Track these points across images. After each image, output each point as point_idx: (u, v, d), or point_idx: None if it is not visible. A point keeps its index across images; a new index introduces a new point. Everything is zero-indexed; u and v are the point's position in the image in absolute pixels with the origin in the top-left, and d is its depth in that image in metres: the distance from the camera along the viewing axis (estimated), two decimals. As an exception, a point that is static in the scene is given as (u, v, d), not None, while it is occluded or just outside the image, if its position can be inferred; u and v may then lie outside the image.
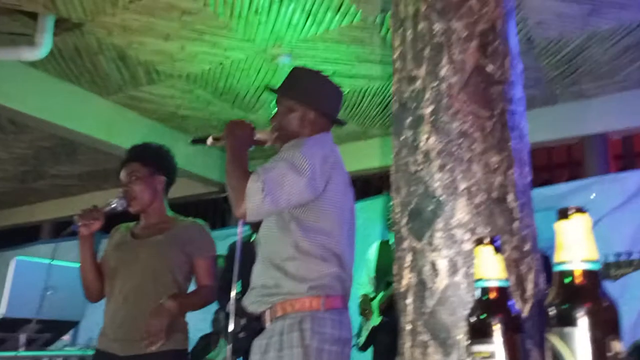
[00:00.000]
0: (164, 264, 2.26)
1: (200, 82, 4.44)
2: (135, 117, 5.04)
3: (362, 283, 3.65)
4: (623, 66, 4.03)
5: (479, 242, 0.88)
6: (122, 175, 2.39)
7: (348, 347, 1.77)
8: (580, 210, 0.73)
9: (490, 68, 1.03)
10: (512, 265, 0.92)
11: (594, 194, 4.21)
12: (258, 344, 1.75)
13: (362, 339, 3.45)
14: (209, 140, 1.96)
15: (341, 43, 3.83)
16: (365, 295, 3.51)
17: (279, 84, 2.00)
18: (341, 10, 3.45)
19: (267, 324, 1.74)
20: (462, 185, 0.97)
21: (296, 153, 1.76)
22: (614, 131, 4.44)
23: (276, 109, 1.95)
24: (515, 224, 0.94)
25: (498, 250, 0.87)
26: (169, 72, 4.26)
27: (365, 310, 3.46)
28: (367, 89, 4.51)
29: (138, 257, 2.28)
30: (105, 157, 5.53)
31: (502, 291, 0.84)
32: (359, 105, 4.78)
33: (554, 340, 0.69)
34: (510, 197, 0.96)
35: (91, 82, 4.50)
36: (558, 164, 5.07)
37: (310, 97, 1.92)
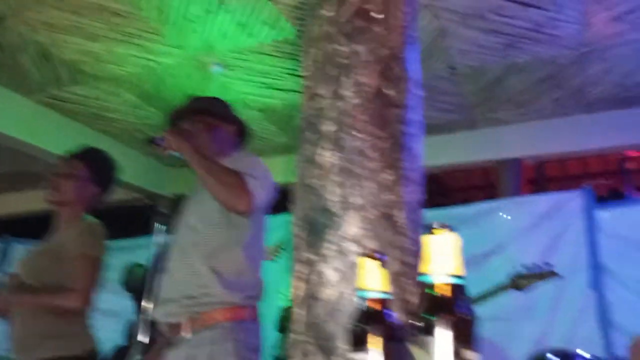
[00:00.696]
0: (48, 268, 2.23)
1: (127, 85, 4.34)
2: (58, 118, 4.84)
3: (287, 295, 3.67)
4: (537, 97, 4.32)
5: (364, 254, 0.93)
6: None
7: (260, 354, 1.80)
8: (446, 226, 0.80)
9: (389, 92, 1.09)
10: (397, 278, 0.98)
11: (505, 215, 4.47)
12: (177, 354, 1.72)
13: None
14: (162, 144, 1.86)
15: (274, 57, 3.88)
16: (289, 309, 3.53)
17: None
18: (276, 25, 3.51)
19: (187, 334, 1.72)
20: (355, 201, 1.02)
21: (255, 161, 1.85)
22: (527, 157, 4.74)
23: (187, 126, 1.96)
24: (403, 239, 1.00)
25: (382, 263, 0.92)
26: (95, 73, 4.14)
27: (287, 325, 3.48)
28: (298, 103, 4.58)
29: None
30: (26, 159, 5.25)
31: (383, 302, 0.89)
32: (290, 119, 4.84)
33: (414, 348, 0.74)
34: (399, 214, 1.02)
35: (11, 80, 4.29)
36: (475, 185, 5.33)
37: (229, 117, 2.00)
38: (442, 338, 0.72)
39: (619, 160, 4.64)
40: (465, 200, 4.87)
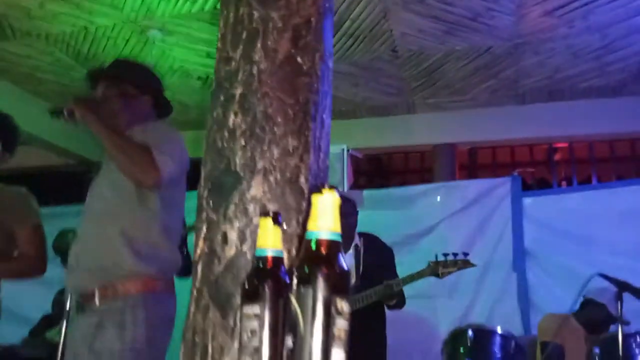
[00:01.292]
0: None
1: (61, 45, 4.15)
2: (-15, 75, 4.59)
3: None
4: (473, 85, 4.46)
5: (263, 215, 0.95)
6: None
7: (173, 325, 1.80)
8: (332, 187, 0.83)
9: (300, 60, 1.11)
10: (297, 239, 1.01)
11: (439, 198, 4.62)
12: (88, 320, 1.70)
13: None
14: (65, 114, 1.80)
15: (216, 24, 3.80)
16: None
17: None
18: (217, -9, 3.45)
19: (98, 303, 1.69)
20: (260, 164, 1.04)
21: (168, 134, 1.79)
22: (461, 143, 4.90)
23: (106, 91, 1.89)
24: (305, 204, 1.03)
25: (278, 224, 0.95)
26: (26, 30, 3.93)
27: None
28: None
29: None
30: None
31: (276, 260, 0.92)
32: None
33: (292, 299, 0.77)
34: (302, 179, 1.04)
35: None
36: (412, 169, 5.47)
37: (150, 85, 1.94)
38: (319, 289, 0.75)
39: (547, 151, 4.88)
40: (403, 183, 4.99)
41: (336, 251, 0.80)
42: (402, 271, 3.41)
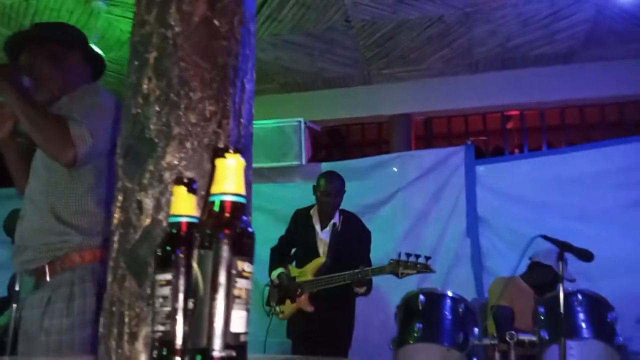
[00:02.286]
0: None
1: (1, 18, 3.97)
2: None
3: None
4: (427, 55, 4.48)
5: (177, 182, 0.94)
6: None
7: None
8: (237, 150, 0.82)
9: (217, 23, 1.08)
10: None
11: (395, 168, 4.67)
12: (38, 296, 1.67)
13: None
14: None
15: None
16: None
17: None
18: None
19: (47, 277, 1.67)
20: (176, 130, 1.02)
21: (95, 103, 1.72)
22: (417, 113, 4.93)
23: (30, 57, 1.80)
24: (223, 170, 1.02)
25: (193, 191, 0.94)
26: (-40, 1, 3.75)
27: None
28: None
29: None
30: None
31: (189, 227, 0.91)
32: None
33: (194, 261, 0.77)
34: (221, 146, 1.03)
35: None
36: (370, 140, 5.49)
37: (75, 38, 1.85)
38: (219, 251, 0.75)
39: (500, 119, 4.96)
40: (363, 155, 5.01)
41: (239, 213, 0.79)
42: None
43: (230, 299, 0.74)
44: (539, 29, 4.07)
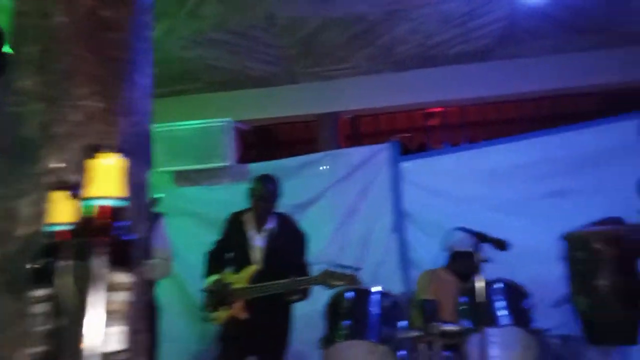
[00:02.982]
0: None
1: None
2: None
3: None
4: (352, 53, 4.50)
5: (57, 187, 0.86)
6: None
7: None
8: (114, 150, 0.76)
9: (106, 14, 1.01)
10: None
11: (324, 167, 4.67)
12: None
13: None
14: None
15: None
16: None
17: None
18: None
19: None
20: (58, 130, 0.94)
21: None
22: (344, 111, 4.96)
23: None
24: (114, 171, 0.95)
25: (75, 196, 0.86)
26: None
27: None
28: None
29: None
30: None
31: (67, 235, 0.84)
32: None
33: (66, 274, 0.71)
34: (110, 145, 0.96)
35: None
36: (300, 139, 5.47)
37: None
38: (93, 262, 0.69)
39: (423, 117, 5.09)
40: (292, 154, 4.97)
41: (114, 219, 0.73)
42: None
43: (103, 315, 0.68)
44: (456, 27, 4.19)
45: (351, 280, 2.95)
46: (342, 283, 2.96)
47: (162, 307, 3.60)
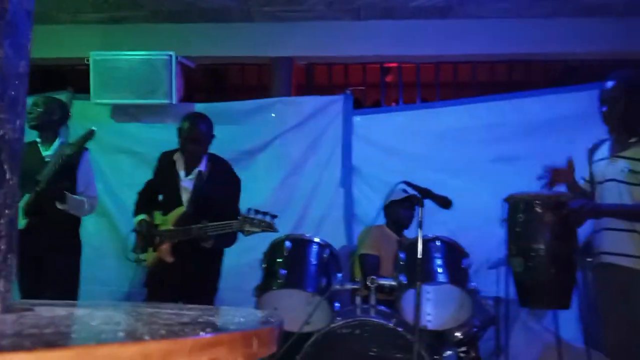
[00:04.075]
0: None
1: None
2: None
3: None
4: (310, -5, 4.25)
5: None
6: None
7: None
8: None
9: None
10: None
11: (274, 114, 4.50)
12: None
13: None
14: None
15: None
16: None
17: None
18: None
19: None
20: None
21: None
22: (298, 57, 4.75)
23: None
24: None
25: None
26: None
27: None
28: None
29: None
30: None
31: None
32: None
33: None
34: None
35: None
36: (250, 85, 5.25)
37: None
38: None
39: (379, 72, 4.95)
40: (242, 99, 4.75)
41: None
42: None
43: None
44: (419, -22, 4.03)
45: (267, 227, 2.86)
46: (258, 230, 2.86)
47: (86, 245, 3.44)
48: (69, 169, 3.14)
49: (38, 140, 3.30)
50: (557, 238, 2.49)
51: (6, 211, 0.81)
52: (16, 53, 0.83)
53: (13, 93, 0.82)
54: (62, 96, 3.98)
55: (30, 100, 3.23)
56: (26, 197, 3.03)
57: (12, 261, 0.84)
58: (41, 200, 3.02)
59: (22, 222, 3.01)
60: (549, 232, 2.48)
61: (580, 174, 2.83)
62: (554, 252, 2.48)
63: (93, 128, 3.14)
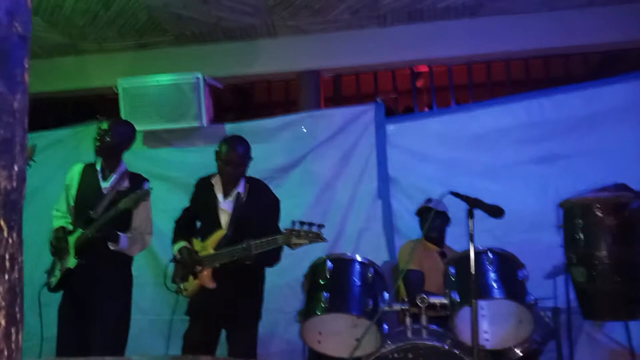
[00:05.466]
0: None
1: None
2: None
3: (61, 211, 3.13)
4: (333, 5, 4.16)
5: None
6: None
7: None
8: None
9: None
10: None
11: (304, 128, 4.40)
12: None
13: (55, 280, 2.99)
14: None
15: None
16: (61, 229, 3.00)
17: None
18: None
19: None
20: None
21: None
22: (325, 69, 4.66)
23: None
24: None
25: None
26: None
27: (59, 247, 2.97)
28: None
29: None
30: None
31: None
32: (60, 10, 4.05)
33: None
34: None
35: None
36: (278, 101, 5.18)
37: None
38: None
39: (409, 77, 4.81)
40: (269, 114, 4.68)
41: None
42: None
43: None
44: (446, -21, 3.90)
45: (314, 237, 2.74)
46: (306, 241, 2.75)
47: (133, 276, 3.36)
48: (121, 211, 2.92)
49: (98, 168, 3.07)
50: (621, 243, 2.31)
51: (5, 276, 0.70)
52: (8, 86, 0.72)
53: (7, 134, 0.71)
54: (93, 127, 3.97)
55: (97, 125, 3.12)
56: (78, 232, 2.95)
57: (18, 336, 0.72)
58: (93, 241, 2.92)
59: (72, 262, 2.95)
60: (612, 237, 2.31)
61: (638, 169, 2.64)
62: (619, 258, 2.30)
63: (149, 188, 3.04)
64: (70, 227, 3.01)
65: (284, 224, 3.04)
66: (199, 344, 2.98)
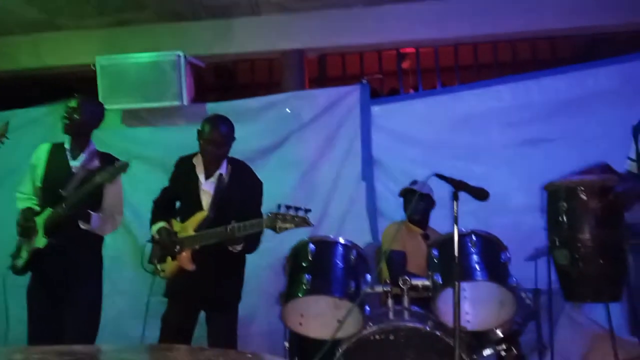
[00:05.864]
0: None
1: None
2: None
3: (26, 192, 3.03)
4: (321, -18, 4.07)
5: None
6: None
7: None
8: None
9: None
10: None
11: (288, 109, 4.33)
12: None
13: (22, 261, 2.90)
14: None
15: None
16: (28, 209, 2.90)
17: None
18: None
19: None
20: None
21: None
22: (310, 49, 4.57)
23: None
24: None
25: None
26: None
27: (27, 227, 2.88)
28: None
29: None
30: None
31: None
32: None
33: None
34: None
35: None
36: (260, 82, 5.09)
37: None
38: None
39: (395, 59, 4.75)
40: (252, 95, 4.59)
41: None
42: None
43: None
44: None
45: (301, 222, 2.68)
46: (291, 225, 2.69)
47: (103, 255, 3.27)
48: (96, 186, 2.82)
49: (67, 146, 2.96)
50: (605, 226, 2.29)
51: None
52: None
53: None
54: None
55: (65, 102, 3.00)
56: (47, 212, 2.85)
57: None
58: (64, 220, 2.83)
59: (41, 241, 2.86)
60: (595, 220, 2.29)
61: (622, 153, 2.62)
62: (602, 241, 2.28)
63: (127, 162, 2.92)
64: (38, 209, 2.91)
65: (266, 206, 2.97)
66: (178, 327, 2.93)
